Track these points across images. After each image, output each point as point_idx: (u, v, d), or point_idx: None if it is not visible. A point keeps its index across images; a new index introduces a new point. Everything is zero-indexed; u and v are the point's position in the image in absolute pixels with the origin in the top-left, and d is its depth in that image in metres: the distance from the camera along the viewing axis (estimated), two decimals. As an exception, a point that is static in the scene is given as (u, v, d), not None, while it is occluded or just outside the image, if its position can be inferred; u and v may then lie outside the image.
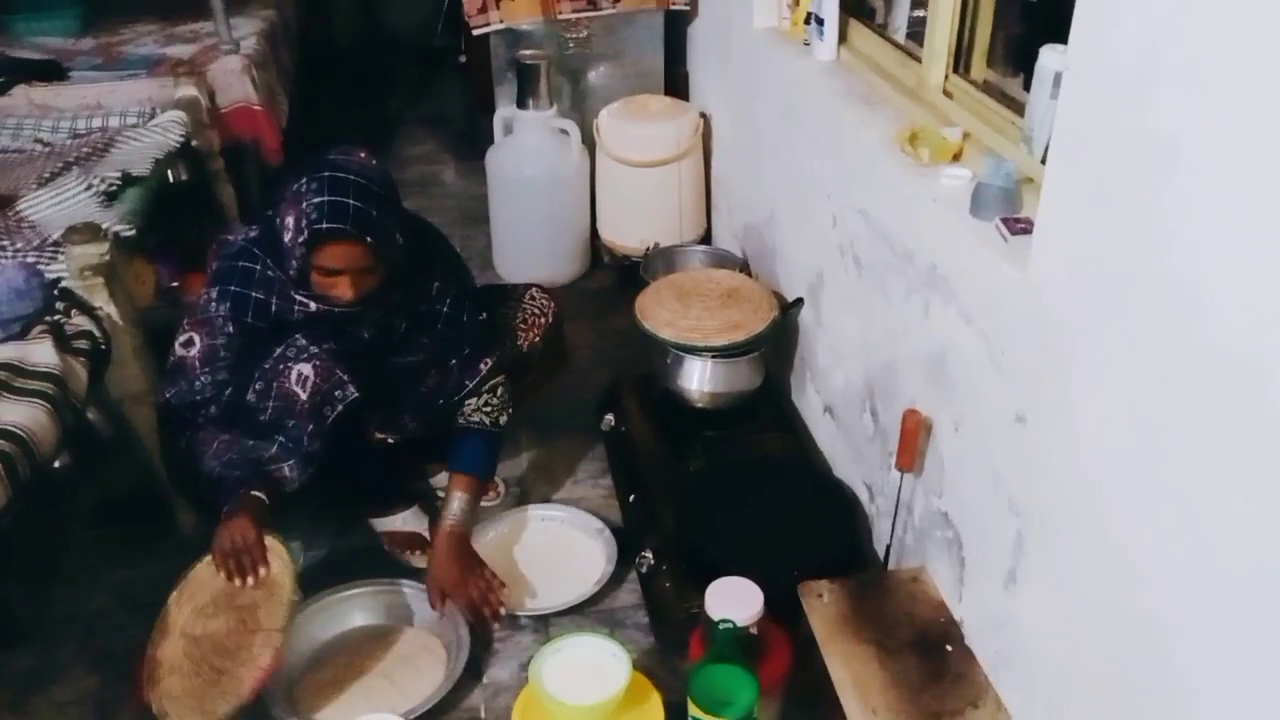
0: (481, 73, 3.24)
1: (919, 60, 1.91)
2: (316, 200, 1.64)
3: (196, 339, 1.79)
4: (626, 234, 3.01)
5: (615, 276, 3.09)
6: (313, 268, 1.70)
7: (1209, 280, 1.02)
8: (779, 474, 2.09)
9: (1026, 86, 1.58)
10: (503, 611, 1.85)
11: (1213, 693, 1.07)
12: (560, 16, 2.96)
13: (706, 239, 3.07)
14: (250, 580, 1.70)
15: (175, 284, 2.47)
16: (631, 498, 2.12)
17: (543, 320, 2.15)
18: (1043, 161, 1.47)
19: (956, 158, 1.69)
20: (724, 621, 1.49)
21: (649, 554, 1.93)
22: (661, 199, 2.93)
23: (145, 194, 2.30)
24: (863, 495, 2.01)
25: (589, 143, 2.99)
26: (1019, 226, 1.43)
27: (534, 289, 2.19)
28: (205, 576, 1.75)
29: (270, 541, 1.74)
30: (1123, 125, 1.12)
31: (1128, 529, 1.19)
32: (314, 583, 1.91)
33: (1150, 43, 1.06)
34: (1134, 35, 1.09)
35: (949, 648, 1.60)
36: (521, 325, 2.12)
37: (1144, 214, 1.10)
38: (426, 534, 2.08)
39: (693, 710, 1.52)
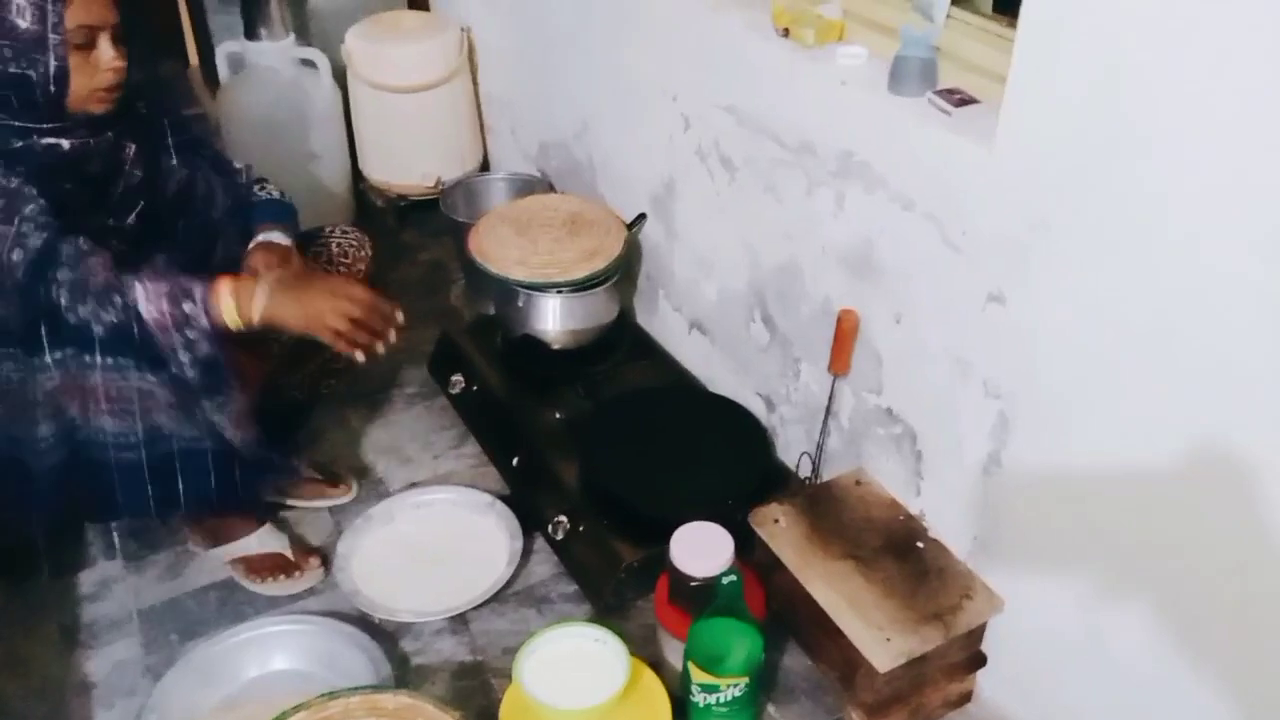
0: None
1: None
2: None
3: None
4: (397, 171, 2.68)
5: (389, 221, 2.76)
6: (71, 47, 1.37)
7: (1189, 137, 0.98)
8: (668, 403, 1.95)
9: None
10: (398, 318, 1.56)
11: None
12: (275, -73, 2.53)
13: (484, 166, 2.81)
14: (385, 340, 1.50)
15: None
16: (514, 460, 1.90)
17: (363, 254, 1.83)
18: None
19: (839, 38, 1.59)
20: (726, 575, 1.34)
21: (563, 518, 1.74)
22: (434, 127, 2.63)
23: None
24: (758, 409, 1.92)
25: (338, 75, 2.61)
26: (957, 98, 1.35)
27: (340, 225, 1.87)
28: None
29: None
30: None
31: (1120, 399, 1.19)
32: (161, 635, 1.56)
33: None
34: None
35: (919, 544, 1.56)
36: (344, 260, 1.81)
37: (1125, 67, 1.05)
38: (289, 553, 1.75)
39: (697, 676, 1.38)
